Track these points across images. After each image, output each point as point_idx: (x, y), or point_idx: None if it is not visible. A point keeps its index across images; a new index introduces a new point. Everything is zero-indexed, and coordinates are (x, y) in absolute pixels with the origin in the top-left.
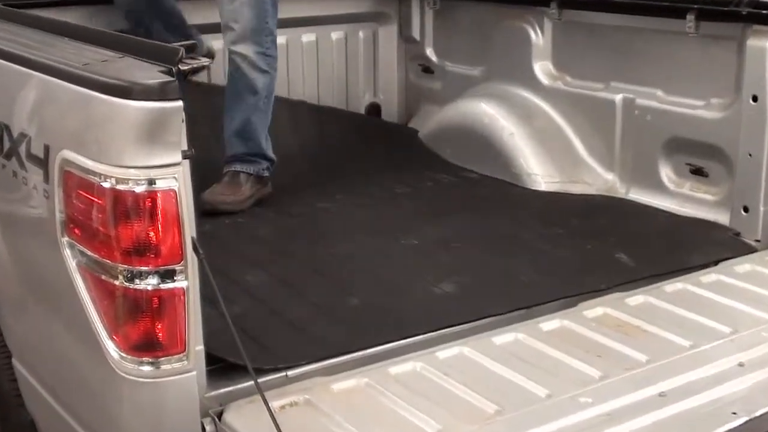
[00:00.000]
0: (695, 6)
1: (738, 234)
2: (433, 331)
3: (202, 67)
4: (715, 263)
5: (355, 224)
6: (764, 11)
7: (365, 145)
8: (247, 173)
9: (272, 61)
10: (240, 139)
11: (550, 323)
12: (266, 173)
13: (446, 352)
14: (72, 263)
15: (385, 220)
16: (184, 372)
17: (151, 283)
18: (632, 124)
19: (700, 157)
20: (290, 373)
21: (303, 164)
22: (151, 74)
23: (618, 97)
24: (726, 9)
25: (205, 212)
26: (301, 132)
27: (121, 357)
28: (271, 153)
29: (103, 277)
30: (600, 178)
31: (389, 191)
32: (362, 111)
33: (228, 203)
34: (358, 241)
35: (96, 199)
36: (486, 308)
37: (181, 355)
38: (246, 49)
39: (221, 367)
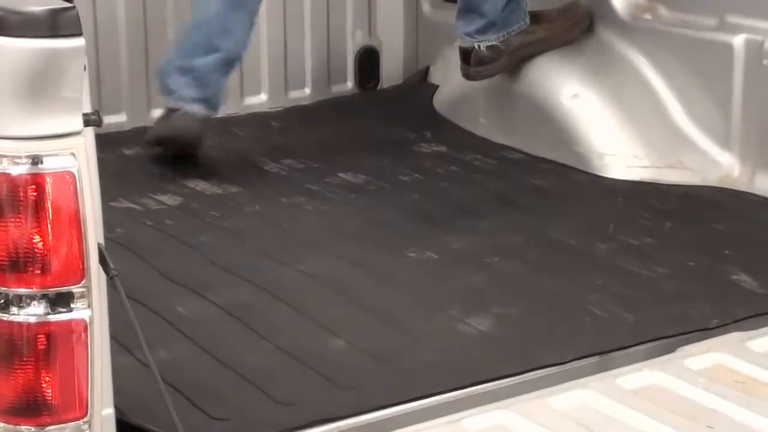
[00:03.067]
0: None
1: None
2: (458, 389)
3: None
4: None
5: (340, 229)
6: None
7: (354, 108)
8: None
9: None
10: None
11: (635, 378)
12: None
13: (479, 420)
14: None
15: (384, 224)
16: None
17: (35, 313)
18: (760, 79)
19: None
20: None
21: (258, 139)
22: None
23: (738, 40)
24: None
25: None
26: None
27: None
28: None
29: None
30: (710, 162)
31: (391, 179)
32: (351, 58)
33: None
34: (344, 253)
35: None
36: (538, 355)
37: (80, 421)
38: None
39: None
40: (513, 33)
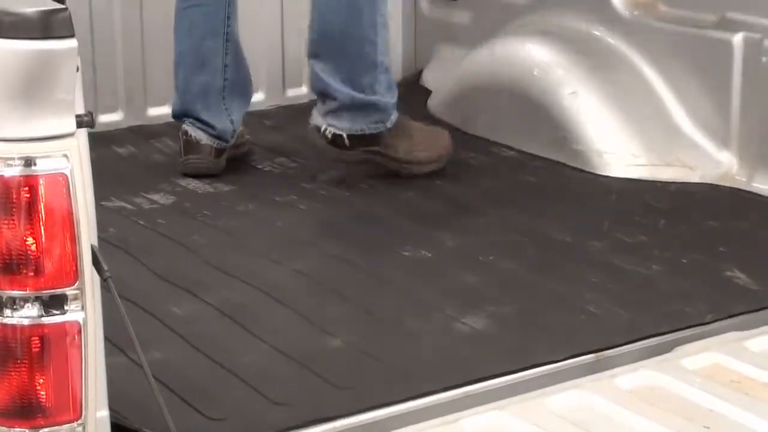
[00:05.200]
0: None
1: None
2: (454, 388)
3: None
4: None
5: (334, 227)
6: None
7: None
8: None
9: None
10: None
11: (632, 377)
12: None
13: (475, 420)
14: None
15: (379, 222)
16: None
17: (28, 315)
18: (759, 77)
19: None
20: None
21: (251, 138)
22: None
23: (737, 37)
24: None
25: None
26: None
27: None
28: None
29: None
30: (708, 159)
31: (385, 178)
32: None
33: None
34: (338, 252)
35: None
36: (534, 354)
37: (74, 424)
38: None
39: None
40: (367, 131)
